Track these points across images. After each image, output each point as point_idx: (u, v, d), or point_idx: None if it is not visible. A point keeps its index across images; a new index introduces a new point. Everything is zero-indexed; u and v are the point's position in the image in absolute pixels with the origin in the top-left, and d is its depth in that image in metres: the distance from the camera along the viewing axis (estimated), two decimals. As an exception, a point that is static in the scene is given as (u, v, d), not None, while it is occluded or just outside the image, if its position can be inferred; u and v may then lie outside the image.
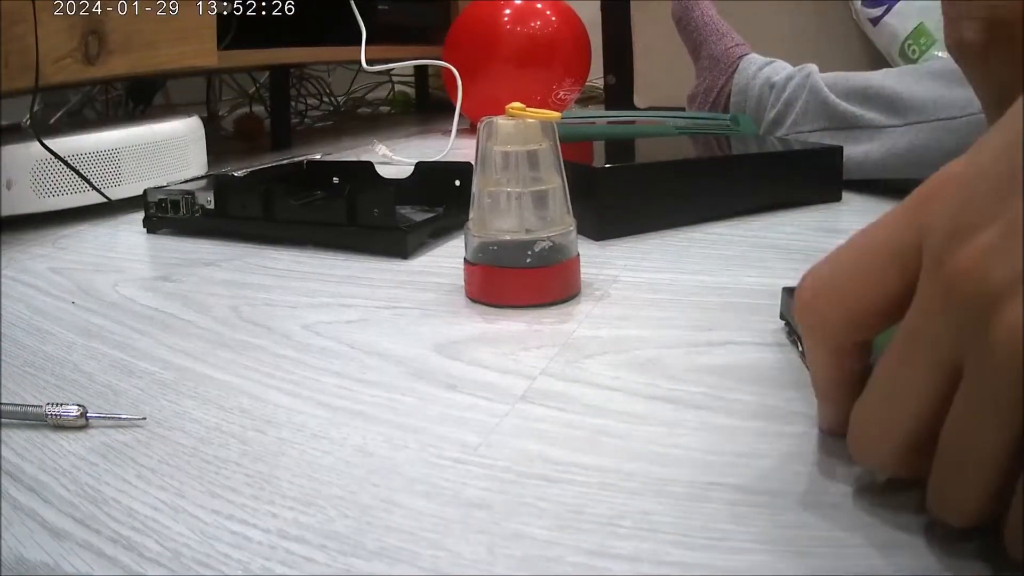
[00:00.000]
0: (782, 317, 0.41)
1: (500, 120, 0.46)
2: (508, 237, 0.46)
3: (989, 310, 0.19)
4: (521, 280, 0.46)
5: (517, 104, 0.46)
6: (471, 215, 0.48)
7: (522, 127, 0.46)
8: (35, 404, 0.34)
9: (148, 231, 0.69)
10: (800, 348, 0.37)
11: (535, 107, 0.46)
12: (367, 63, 1.13)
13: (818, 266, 0.26)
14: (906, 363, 0.22)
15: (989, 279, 0.19)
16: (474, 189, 0.47)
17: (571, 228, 0.47)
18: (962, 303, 0.20)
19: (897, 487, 0.27)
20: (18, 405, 0.34)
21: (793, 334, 0.39)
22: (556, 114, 0.47)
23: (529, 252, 0.46)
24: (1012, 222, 0.19)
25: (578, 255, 0.48)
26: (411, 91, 1.77)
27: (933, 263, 0.21)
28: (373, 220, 0.58)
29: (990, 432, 0.20)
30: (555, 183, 0.47)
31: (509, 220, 0.46)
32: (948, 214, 0.21)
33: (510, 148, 0.46)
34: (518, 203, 0.46)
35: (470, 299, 0.48)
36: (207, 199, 0.65)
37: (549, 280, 0.46)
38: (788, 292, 0.40)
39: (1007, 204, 0.20)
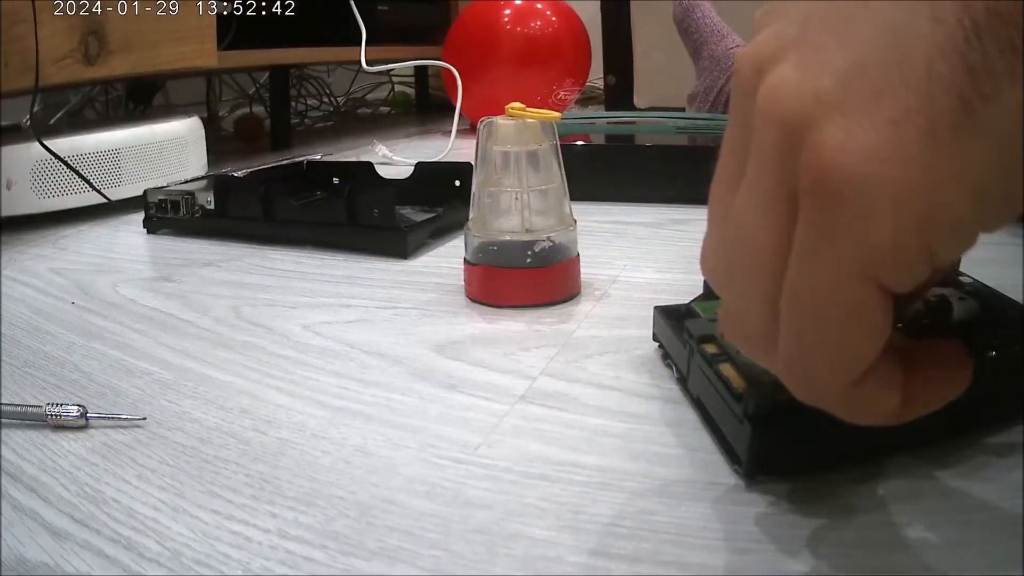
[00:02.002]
0: (655, 339, 0.39)
1: (500, 120, 0.46)
2: (508, 237, 0.46)
3: (799, 137, 0.18)
4: (521, 280, 0.46)
5: (517, 104, 0.46)
6: (471, 215, 0.48)
7: (522, 127, 0.46)
8: (35, 404, 0.34)
9: (148, 231, 0.69)
10: (675, 372, 0.35)
11: (535, 107, 0.46)
12: (367, 63, 1.12)
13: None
14: (747, 210, 0.21)
15: (790, 107, 0.19)
16: (474, 189, 0.47)
17: (571, 228, 0.47)
18: (775, 137, 0.19)
19: (898, 488, 0.27)
20: (18, 405, 0.34)
21: (668, 357, 0.37)
22: (556, 114, 0.46)
23: (529, 252, 0.46)
24: (803, 47, 0.19)
25: (578, 255, 0.48)
26: (411, 91, 1.77)
27: (745, 100, 0.20)
28: (373, 220, 0.58)
29: (830, 264, 0.18)
30: (555, 183, 0.47)
31: (509, 220, 0.46)
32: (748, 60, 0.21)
33: (510, 148, 0.46)
34: (518, 203, 0.46)
35: (470, 299, 0.48)
36: (207, 199, 0.65)
37: (549, 280, 0.46)
38: (661, 312, 0.37)
39: (798, 32, 0.19)
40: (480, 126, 0.47)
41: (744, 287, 0.21)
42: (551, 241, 0.46)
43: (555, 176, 0.47)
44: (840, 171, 0.17)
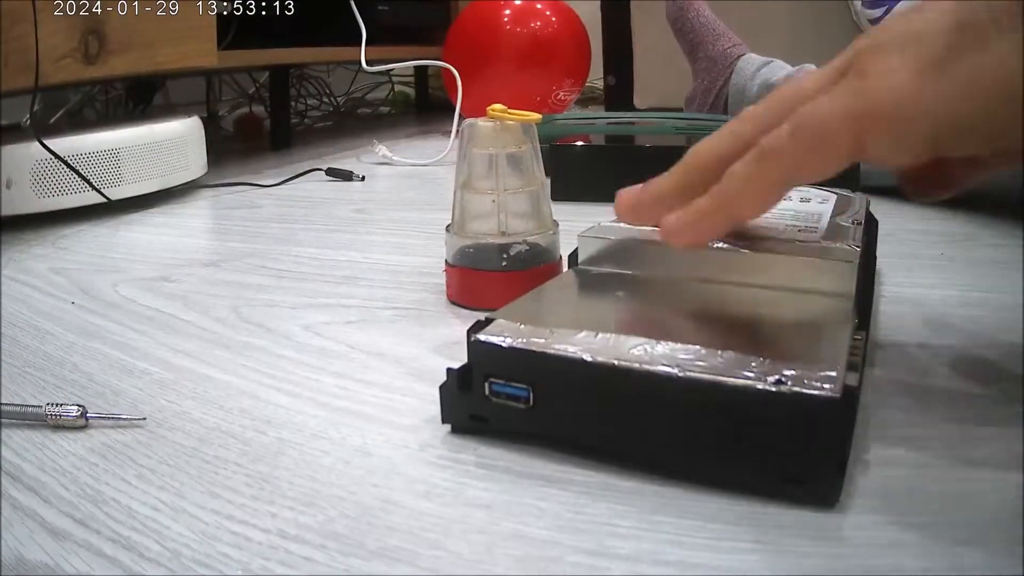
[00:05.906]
0: None
1: (480, 122, 0.46)
2: (484, 240, 0.46)
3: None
4: (496, 283, 0.45)
5: (498, 106, 0.46)
6: (452, 217, 0.47)
7: (501, 129, 0.45)
8: (35, 404, 0.34)
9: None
10: None
11: (534, 108, 0.46)
12: (367, 63, 1.13)
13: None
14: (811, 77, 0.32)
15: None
16: (455, 190, 0.47)
17: (552, 231, 0.47)
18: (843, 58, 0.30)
19: (898, 488, 0.27)
20: (18, 405, 0.34)
21: None
22: (537, 116, 0.46)
23: (505, 255, 0.45)
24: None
25: (560, 258, 0.48)
26: (411, 91, 1.77)
27: None
28: None
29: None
30: (535, 185, 0.46)
31: (486, 223, 0.46)
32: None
33: (491, 150, 0.45)
34: (496, 205, 0.46)
35: (449, 301, 0.48)
36: None
37: (526, 284, 0.44)
38: None
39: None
40: (462, 128, 0.46)
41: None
42: (527, 244, 0.46)
43: (535, 179, 0.46)
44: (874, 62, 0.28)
